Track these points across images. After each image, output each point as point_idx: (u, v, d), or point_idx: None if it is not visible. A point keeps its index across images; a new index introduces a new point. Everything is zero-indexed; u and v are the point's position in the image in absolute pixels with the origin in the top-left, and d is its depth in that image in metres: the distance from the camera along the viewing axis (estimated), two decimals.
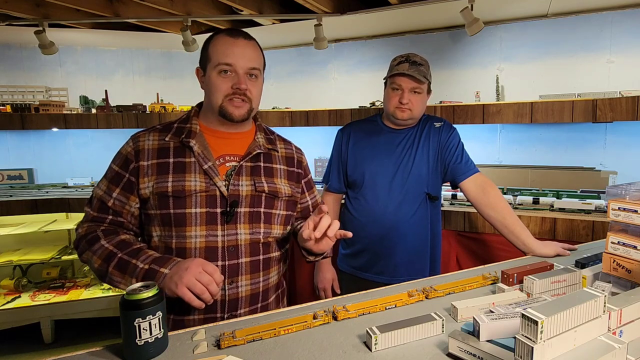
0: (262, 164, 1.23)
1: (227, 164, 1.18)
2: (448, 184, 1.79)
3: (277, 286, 1.29)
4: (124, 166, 1.15)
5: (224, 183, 1.15)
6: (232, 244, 1.15)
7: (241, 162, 1.18)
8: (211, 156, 1.15)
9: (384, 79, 1.75)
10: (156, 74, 3.91)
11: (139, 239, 1.21)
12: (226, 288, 1.14)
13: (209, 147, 1.17)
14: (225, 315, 1.14)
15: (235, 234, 1.15)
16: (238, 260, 1.15)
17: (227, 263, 1.14)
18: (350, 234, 1.15)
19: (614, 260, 1.07)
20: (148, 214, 1.15)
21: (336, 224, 1.11)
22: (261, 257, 1.20)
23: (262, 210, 1.19)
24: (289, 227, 1.30)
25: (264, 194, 1.20)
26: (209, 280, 0.99)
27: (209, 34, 1.22)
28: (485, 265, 1.42)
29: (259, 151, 1.22)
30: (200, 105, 1.27)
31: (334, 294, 1.80)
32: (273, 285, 1.26)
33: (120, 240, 1.11)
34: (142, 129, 1.21)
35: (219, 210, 1.13)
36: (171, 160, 1.14)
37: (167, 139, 1.16)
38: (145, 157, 1.14)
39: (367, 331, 0.88)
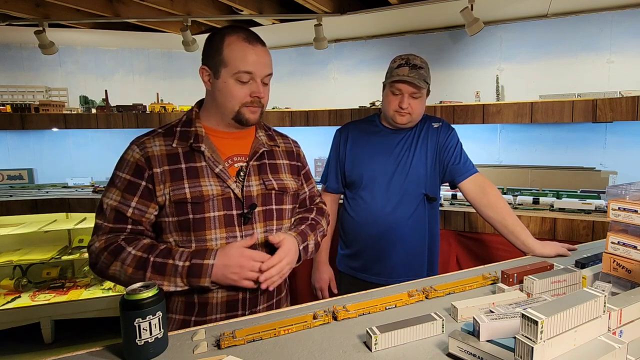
0: (266, 161, 1.25)
1: (236, 165, 1.20)
2: (447, 184, 1.78)
3: (285, 278, 1.30)
4: (137, 174, 1.11)
5: (236, 185, 1.16)
6: (251, 244, 1.15)
7: (250, 163, 1.20)
8: (220, 159, 1.16)
9: (383, 83, 1.73)
10: (156, 74, 3.92)
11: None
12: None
13: (217, 150, 1.17)
14: (247, 313, 1.16)
15: (253, 234, 1.16)
16: None
17: None
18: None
19: (614, 260, 1.07)
20: (161, 221, 1.14)
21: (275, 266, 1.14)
22: None
23: (273, 207, 1.22)
24: (293, 219, 1.32)
25: (273, 192, 1.22)
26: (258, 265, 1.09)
27: (208, 34, 1.20)
28: (485, 265, 1.42)
29: (264, 149, 1.24)
30: (199, 104, 1.25)
31: (331, 294, 1.80)
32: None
33: (144, 245, 1.08)
34: (142, 135, 1.17)
35: (235, 212, 1.15)
36: (183, 166, 1.13)
37: (174, 144, 1.14)
38: (157, 164, 1.11)
39: (367, 331, 0.88)
